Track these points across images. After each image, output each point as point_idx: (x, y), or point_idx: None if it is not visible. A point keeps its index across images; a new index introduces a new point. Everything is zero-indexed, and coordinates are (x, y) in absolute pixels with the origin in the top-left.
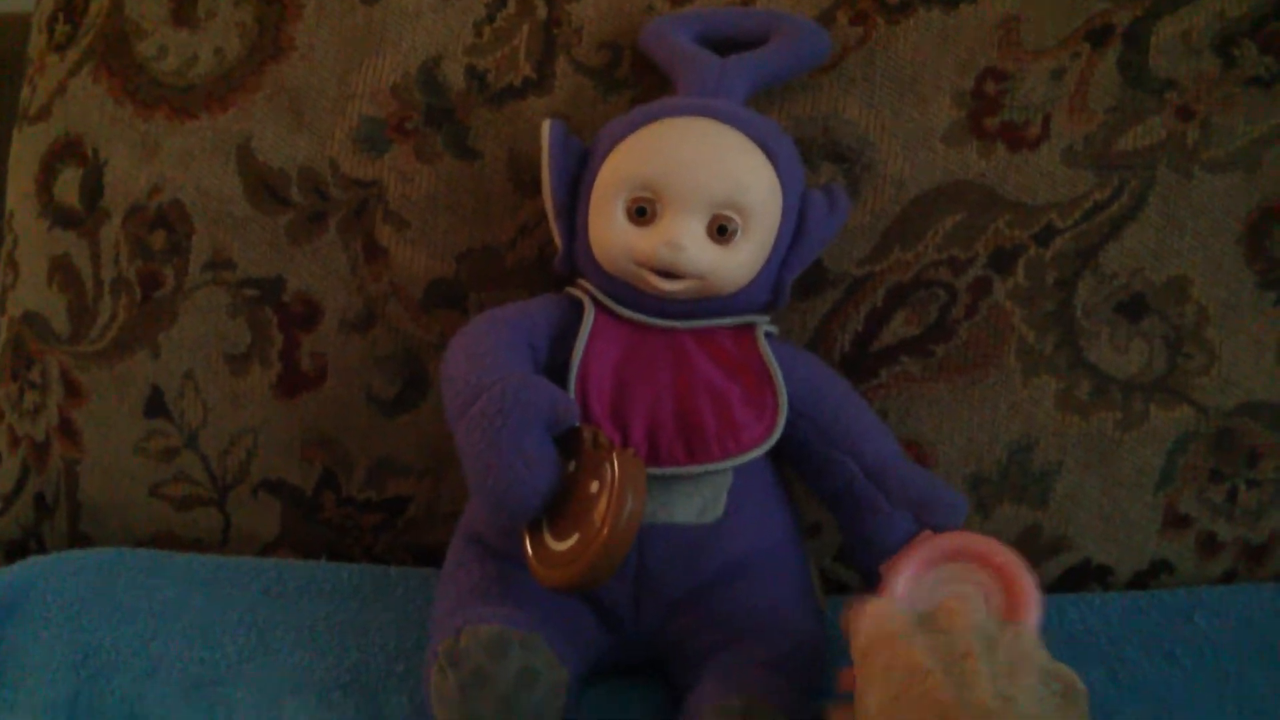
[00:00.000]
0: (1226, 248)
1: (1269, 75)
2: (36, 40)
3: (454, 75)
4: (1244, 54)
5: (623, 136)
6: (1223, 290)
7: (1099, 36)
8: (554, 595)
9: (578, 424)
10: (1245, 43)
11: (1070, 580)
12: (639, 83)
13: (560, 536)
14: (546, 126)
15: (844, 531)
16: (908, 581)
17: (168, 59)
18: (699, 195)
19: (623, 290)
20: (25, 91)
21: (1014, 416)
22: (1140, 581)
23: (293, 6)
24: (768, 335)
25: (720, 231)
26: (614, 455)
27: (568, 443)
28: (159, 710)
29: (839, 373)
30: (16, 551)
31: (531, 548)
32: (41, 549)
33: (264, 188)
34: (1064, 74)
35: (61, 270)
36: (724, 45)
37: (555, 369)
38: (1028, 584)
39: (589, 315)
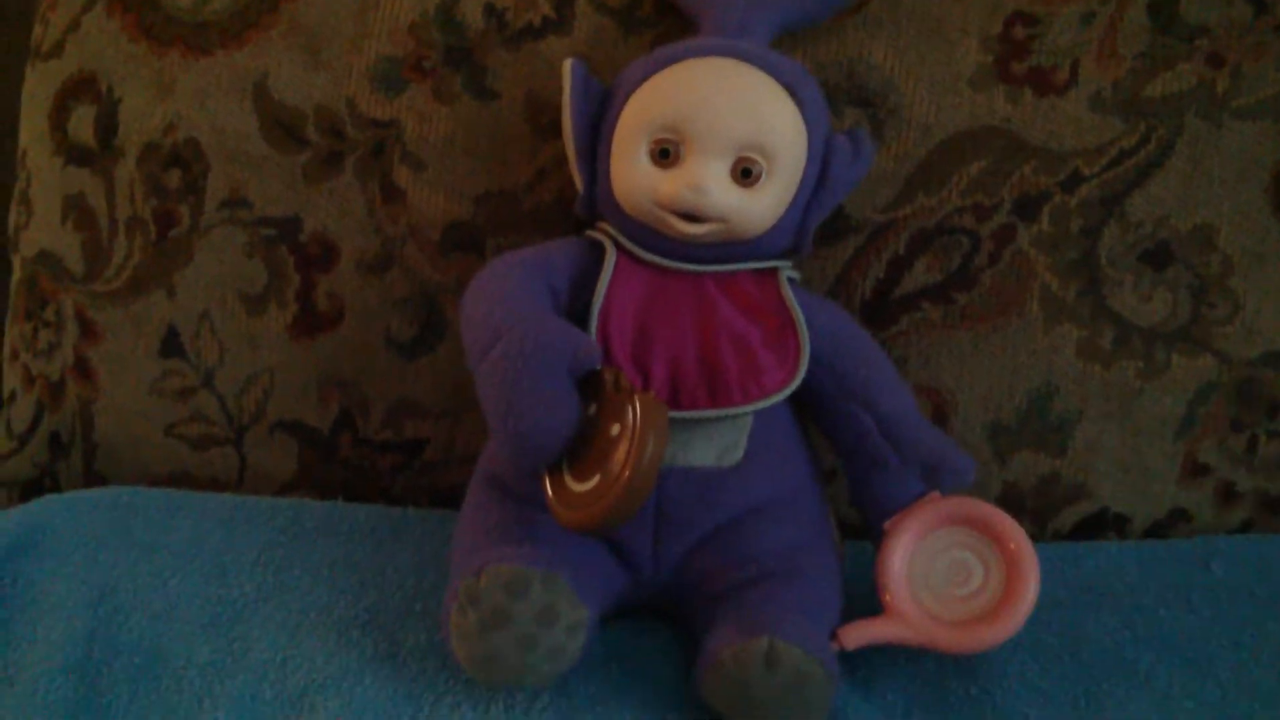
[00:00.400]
0: (1254, 196)
1: None
2: None
3: (472, 14)
4: (1277, 1)
5: (646, 77)
6: (1249, 239)
7: None
8: (573, 536)
9: (599, 367)
10: None
11: (1088, 529)
12: (660, 22)
13: (581, 478)
14: (568, 66)
15: (852, 484)
16: (909, 542)
17: None
18: (723, 137)
19: (645, 233)
20: (38, 29)
21: (1035, 364)
22: (1158, 530)
23: None
24: (790, 281)
25: (744, 174)
26: (635, 398)
27: (589, 385)
28: (177, 647)
29: (860, 322)
30: (32, 490)
31: (552, 489)
32: (57, 488)
33: (280, 126)
34: (1094, 19)
35: (76, 209)
36: None
37: (576, 312)
38: (1028, 553)
39: (610, 258)
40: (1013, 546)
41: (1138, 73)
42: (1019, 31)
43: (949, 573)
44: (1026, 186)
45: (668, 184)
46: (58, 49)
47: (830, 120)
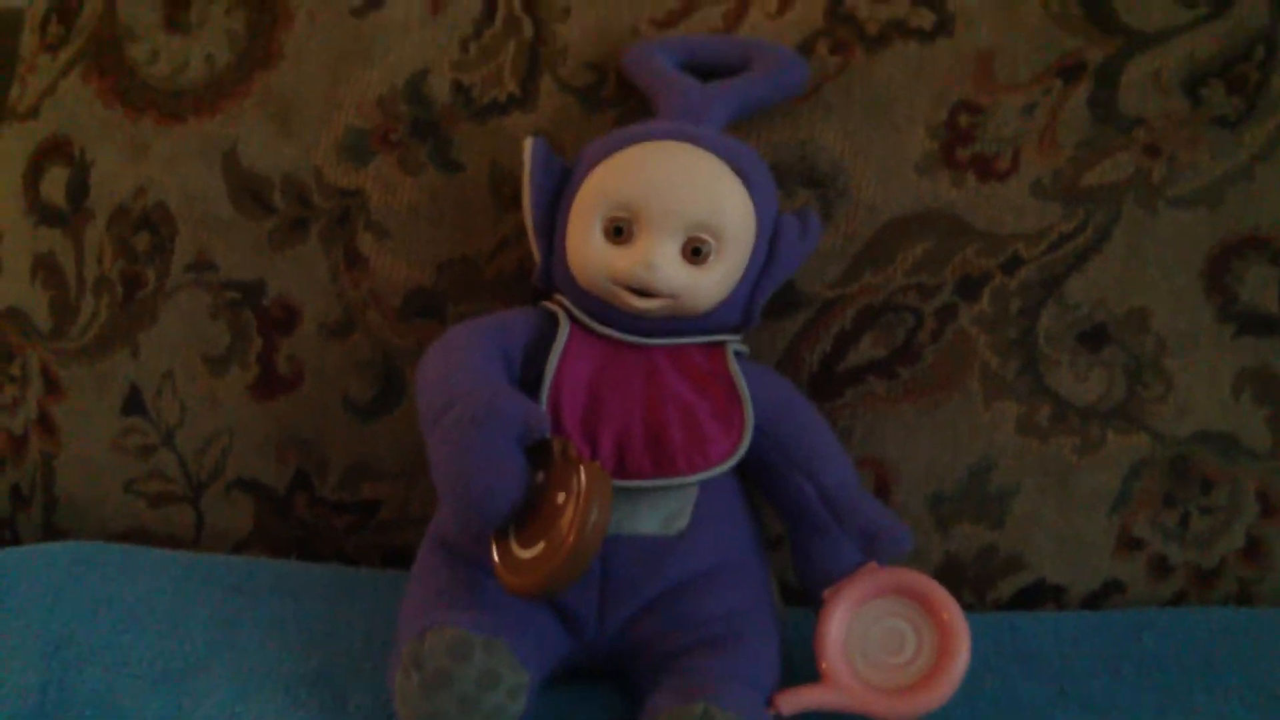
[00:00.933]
0: (1188, 281)
1: (1235, 115)
2: (28, 40)
3: (440, 89)
4: (1212, 94)
5: (603, 157)
6: (1182, 322)
7: (1071, 74)
8: (519, 600)
9: (548, 435)
10: (1213, 83)
11: (1025, 599)
12: (623, 103)
13: (526, 544)
14: (529, 144)
15: (794, 551)
16: (846, 611)
17: (159, 63)
18: (675, 217)
19: (598, 306)
20: (15, 89)
21: (975, 438)
22: (1093, 601)
23: (283, 16)
24: (737, 354)
25: (695, 253)
26: (582, 467)
27: (538, 454)
28: (128, 701)
29: (807, 394)
30: None
31: (498, 554)
32: (16, 541)
33: (248, 193)
34: (1035, 109)
35: (45, 267)
36: (705, 71)
37: (529, 380)
38: (960, 623)
39: (564, 329)
40: (945, 617)
41: (1077, 161)
42: (964, 120)
43: (884, 641)
44: (968, 268)
45: (621, 260)
46: (33, 111)
47: (778, 200)
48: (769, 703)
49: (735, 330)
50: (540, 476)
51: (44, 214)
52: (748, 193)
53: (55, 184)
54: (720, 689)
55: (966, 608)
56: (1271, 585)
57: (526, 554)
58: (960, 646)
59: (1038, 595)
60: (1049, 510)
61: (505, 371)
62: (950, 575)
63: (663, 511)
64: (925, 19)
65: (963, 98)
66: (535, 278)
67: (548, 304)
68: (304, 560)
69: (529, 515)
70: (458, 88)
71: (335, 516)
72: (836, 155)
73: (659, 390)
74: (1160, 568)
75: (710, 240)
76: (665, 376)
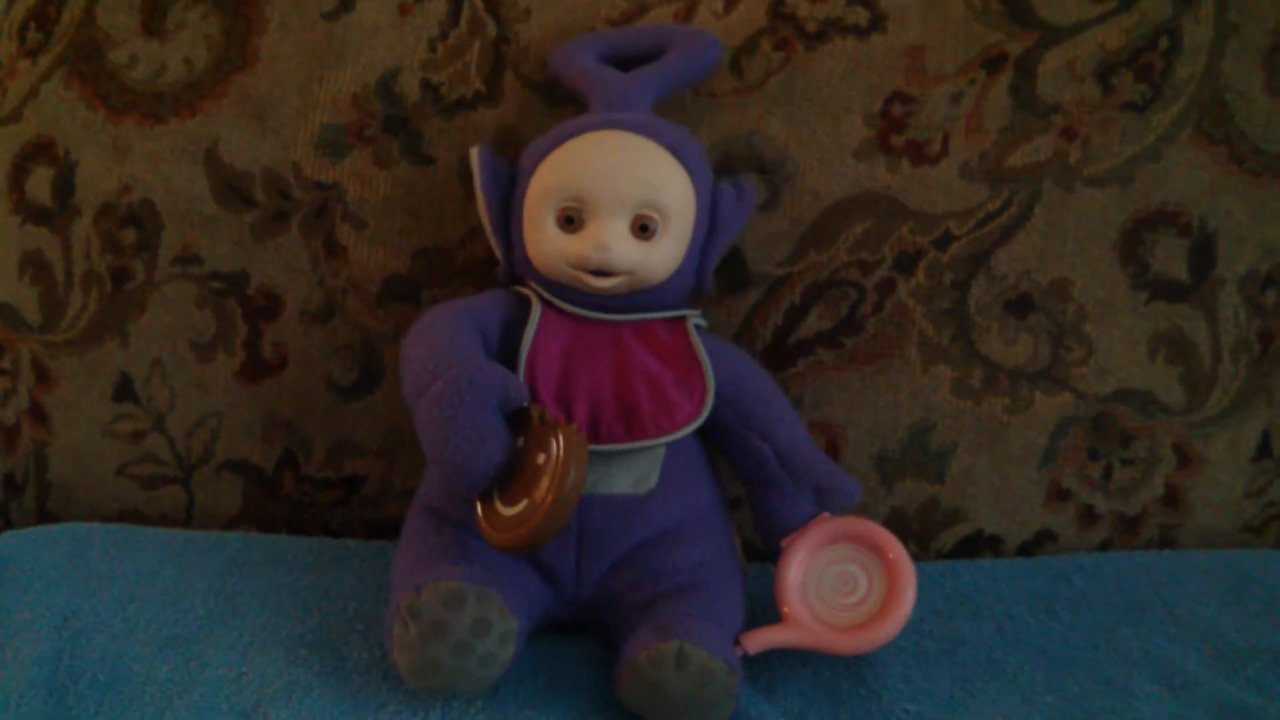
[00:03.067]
0: (1104, 253)
1: (1143, 101)
2: (7, 46)
3: (410, 87)
4: (1121, 82)
5: (546, 153)
6: (1100, 290)
7: (994, 65)
8: (503, 557)
9: (526, 404)
10: (1123, 71)
11: (965, 548)
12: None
13: (510, 503)
14: (475, 153)
15: (752, 507)
16: (803, 558)
17: (138, 67)
18: (620, 199)
19: (563, 290)
20: None
21: (915, 401)
22: (1027, 549)
23: (258, 20)
24: (697, 328)
25: (643, 229)
26: (559, 430)
27: (517, 420)
28: (137, 666)
29: (760, 364)
30: None
31: (483, 513)
32: (10, 527)
33: (230, 189)
34: (962, 98)
35: (33, 264)
36: (626, 61)
37: (505, 356)
38: (905, 563)
39: (536, 310)
40: (892, 557)
41: (1001, 145)
42: (897, 109)
43: (838, 583)
44: (905, 245)
45: (576, 246)
46: (16, 115)
47: (711, 173)
48: (736, 642)
49: (693, 298)
50: (520, 441)
51: (30, 213)
52: (683, 169)
53: (40, 184)
54: (692, 629)
55: (912, 558)
56: (1189, 530)
57: (510, 512)
58: (907, 584)
59: (977, 545)
60: (984, 466)
61: (483, 347)
62: (896, 528)
63: (633, 473)
64: (860, 16)
65: (896, 89)
66: (500, 275)
67: (519, 288)
68: (293, 535)
69: (511, 477)
70: (427, 86)
71: (321, 493)
72: (781, 144)
73: (627, 362)
74: (1088, 517)
75: (655, 216)
76: (632, 350)
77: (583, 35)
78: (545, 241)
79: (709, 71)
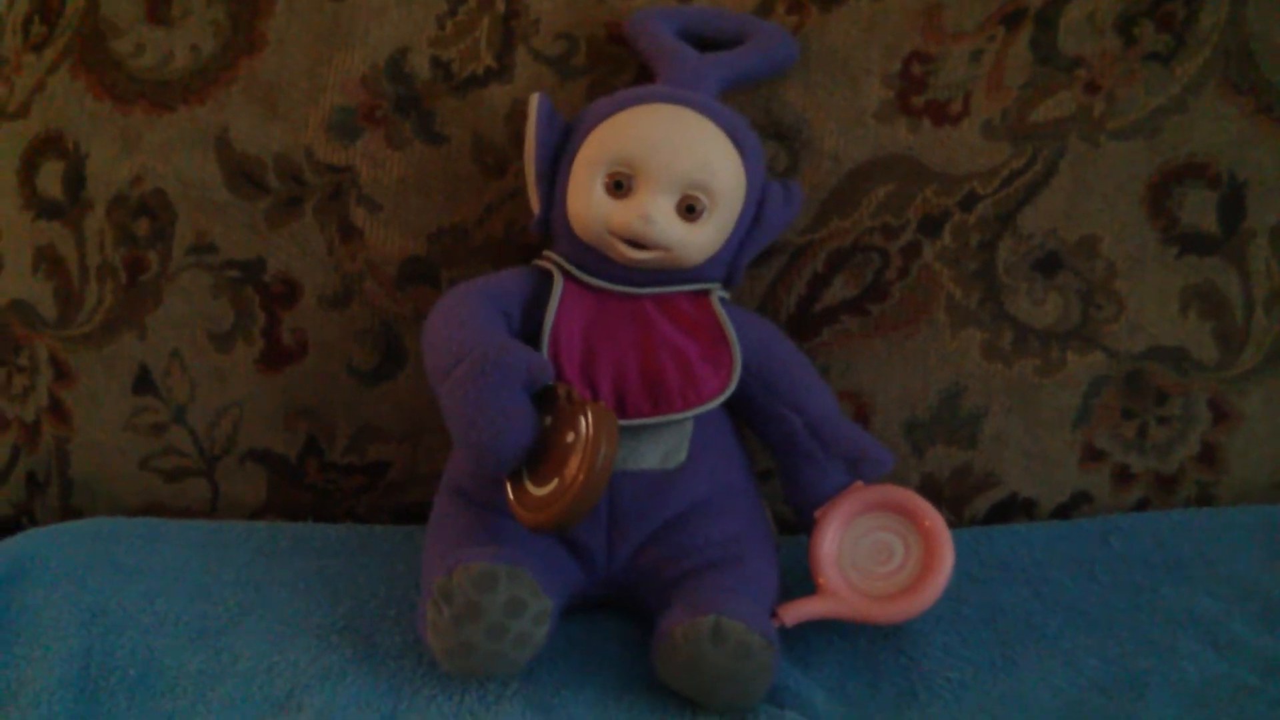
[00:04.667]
0: (1131, 208)
1: (1166, 51)
2: (11, 41)
3: (420, 66)
4: (1143, 32)
5: (606, 116)
6: (1129, 246)
7: (1013, 20)
8: (534, 536)
9: (552, 382)
10: (1144, 22)
11: (999, 513)
12: (594, 69)
13: (540, 483)
14: (535, 99)
15: (783, 479)
16: (838, 527)
17: (144, 56)
18: (671, 174)
19: (591, 258)
20: (2, 90)
21: (944, 366)
22: (1063, 512)
23: (264, 4)
24: (721, 300)
25: (689, 210)
26: (588, 408)
27: (543, 399)
28: (168, 659)
29: (786, 334)
30: (9, 528)
31: (513, 494)
32: (34, 525)
33: (242, 175)
34: (982, 55)
35: (47, 259)
36: (702, 42)
37: (527, 334)
38: (941, 529)
39: (558, 284)
40: (928, 524)
41: (1023, 101)
42: (916, 69)
43: (874, 552)
44: (929, 207)
45: (620, 214)
46: (24, 109)
47: (765, 168)
48: (772, 615)
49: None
50: (548, 420)
51: (42, 208)
52: (740, 157)
53: (51, 178)
54: (727, 603)
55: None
56: (1228, 487)
57: (540, 492)
58: (944, 551)
59: (1011, 509)
60: (1016, 429)
61: (506, 326)
62: (928, 495)
63: (662, 447)
64: None
65: (914, 48)
66: (532, 227)
67: (539, 262)
68: (319, 523)
69: (540, 456)
70: (437, 63)
71: (345, 479)
72: (799, 109)
73: (651, 336)
74: (1123, 477)
75: (703, 198)
76: (656, 323)
77: (664, 6)
78: (589, 203)
79: (782, 71)
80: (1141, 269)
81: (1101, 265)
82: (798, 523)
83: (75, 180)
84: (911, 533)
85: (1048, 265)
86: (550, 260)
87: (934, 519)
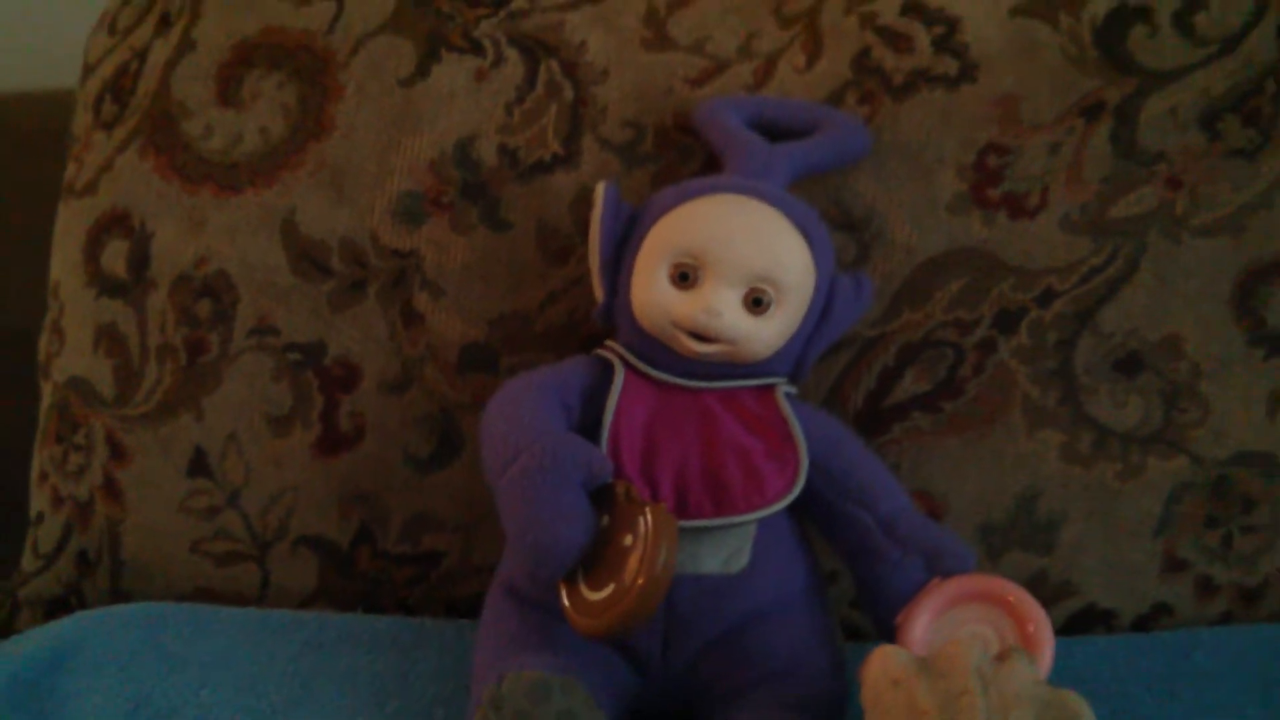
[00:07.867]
0: (1216, 308)
1: (1251, 147)
2: (82, 118)
3: (487, 152)
4: (1228, 128)
5: (673, 205)
6: (1214, 347)
7: (1092, 113)
8: (588, 642)
9: (611, 480)
10: (1229, 117)
11: (1076, 624)
12: (661, 157)
13: (595, 587)
14: (601, 187)
15: (858, 582)
16: (924, 628)
17: (213, 138)
18: (739, 267)
19: (654, 350)
20: (71, 167)
21: (1020, 468)
22: (1142, 624)
23: (334, 88)
24: (786, 395)
25: (755, 303)
26: (647, 509)
27: (601, 498)
28: None
29: (853, 429)
30: (57, 608)
31: (568, 598)
32: (83, 605)
33: (307, 258)
34: (1060, 147)
35: (108, 337)
36: (772, 131)
37: (587, 426)
38: (1040, 617)
39: (619, 375)
40: (1022, 611)
41: (1103, 196)
42: (992, 161)
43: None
44: (1005, 302)
45: (684, 305)
46: (91, 187)
47: (835, 261)
48: None
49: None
50: (605, 520)
51: (105, 285)
52: (809, 250)
53: (116, 256)
54: None
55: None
56: None
57: (596, 596)
58: (1043, 637)
59: (1089, 620)
60: (1095, 536)
61: (565, 420)
62: None
63: (723, 551)
64: (949, 66)
65: (990, 140)
66: (595, 315)
67: (600, 352)
68: (368, 613)
69: (596, 558)
70: (504, 150)
71: (397, 569)
72: (869, 200)
73: (714, 432)
74: (1206, 588)
75: (771, 291)
76: (719, 419)
77: (735, 95)
78: (654, 294)
79: (855, 162)
80: (1227, 371)
81: (1185, 366)
82: (876, 629)
83: (140, 259)
84: (1007, 624)
85: (1129, 365)
86: (612, 351)
87: (1037, 621)
